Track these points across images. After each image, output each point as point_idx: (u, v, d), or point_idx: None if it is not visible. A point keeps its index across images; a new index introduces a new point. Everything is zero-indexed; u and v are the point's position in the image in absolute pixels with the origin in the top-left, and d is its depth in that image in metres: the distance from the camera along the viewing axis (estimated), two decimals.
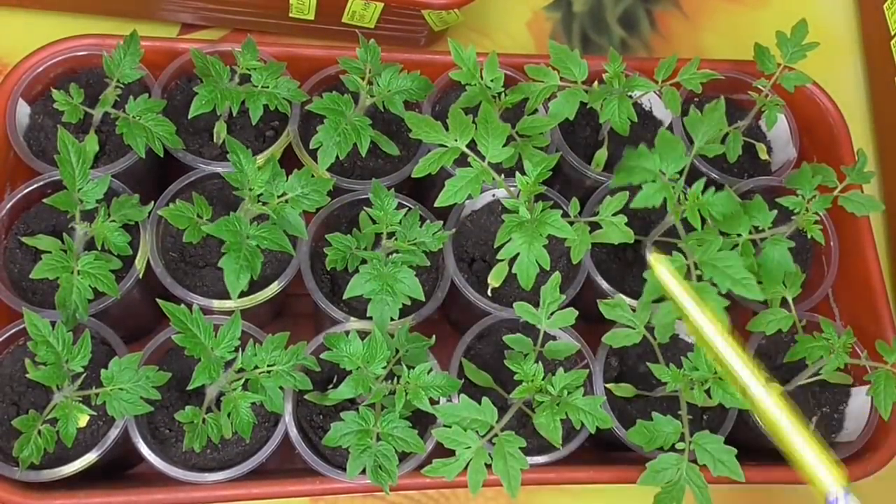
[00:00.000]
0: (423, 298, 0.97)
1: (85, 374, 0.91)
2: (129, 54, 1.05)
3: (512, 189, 0.97)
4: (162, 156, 1.03)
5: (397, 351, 0.95)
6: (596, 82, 1.09)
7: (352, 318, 1.01)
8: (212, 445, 0.98)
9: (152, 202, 1.02)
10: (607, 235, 1.00)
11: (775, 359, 1.10)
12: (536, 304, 0.97)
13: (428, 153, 0.95)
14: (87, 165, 0.95)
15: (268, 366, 0.92)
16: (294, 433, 0.97)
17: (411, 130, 0.95)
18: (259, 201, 0.97)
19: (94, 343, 0.94)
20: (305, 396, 0.98)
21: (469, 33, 1.41)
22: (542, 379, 0.95)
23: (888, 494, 1.20)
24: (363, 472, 0.91)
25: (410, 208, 1.03)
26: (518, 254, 0.94)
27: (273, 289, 1.02)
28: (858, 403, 1.09)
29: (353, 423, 0.92)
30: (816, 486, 0.70)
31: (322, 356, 0.94)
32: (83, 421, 0.91)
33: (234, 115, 1.07)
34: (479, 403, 0.93)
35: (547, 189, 1.05)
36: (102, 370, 0.91)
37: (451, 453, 0.91)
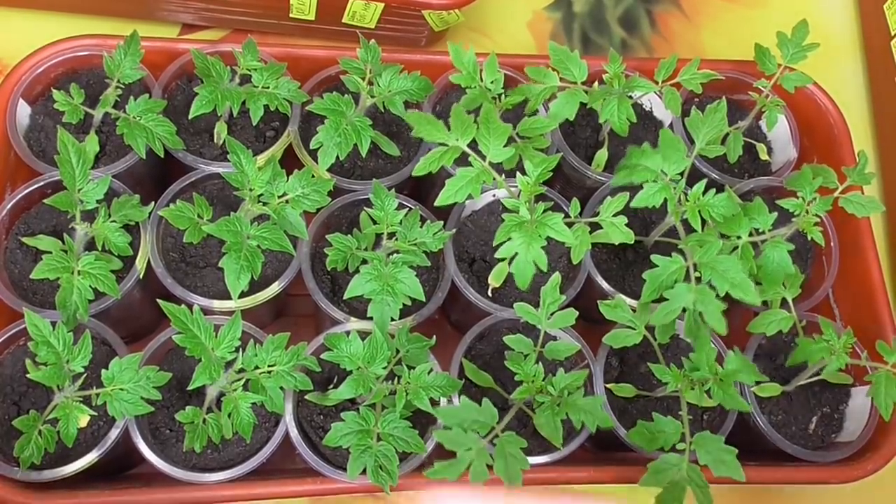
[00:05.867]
0: (423, 299, 0.97)
1: (85, 375, 0.91)
2: (129, 55, 1.05)
3: (512, 189, 0.97)
4: (162, 156, 1.04)
5: (398, 351, 0.95)
6: (596, 83, 1.09)
7: (352, 319, 1.01)
8: (212, 445, 0.98)
9: (153, 202, 1.02)
10: (608, 236, 1.00)
11: (776, 359, 1.10)
12: (537, 305, 0.97)
13: (429, 153, 0.95)
14: (87, 166, 0.95)
15: (268, 366, 0.92)
16: (294, 433, 0.97)
17: (412, 131, 0.94)
18: (259, 202, 0.97)
19: (94, 343, 0.94)
20: (306, 397, 0.98)
21: (469, 33, 1.41)
22: (543, 379, 0.95)
23: (888, 494, 1.20)
24: (364, 472, 0.91)
25: (411, 208, 1.03)
26: (516, 253, 0.94)
27: (273, 289, 1.02)
28: (859, 403, 1.09)
29: (353, 423, 0.92)
30: None
31: (322, 356, 0.94)
32: (84, 421, 0.91)
33: (235, 115, 1.07)
34: (480, 404, 0.93)
35: (547, 189, 1.04)
36: (103, 370, 0.91)
37: (453, 453, 0.91)
